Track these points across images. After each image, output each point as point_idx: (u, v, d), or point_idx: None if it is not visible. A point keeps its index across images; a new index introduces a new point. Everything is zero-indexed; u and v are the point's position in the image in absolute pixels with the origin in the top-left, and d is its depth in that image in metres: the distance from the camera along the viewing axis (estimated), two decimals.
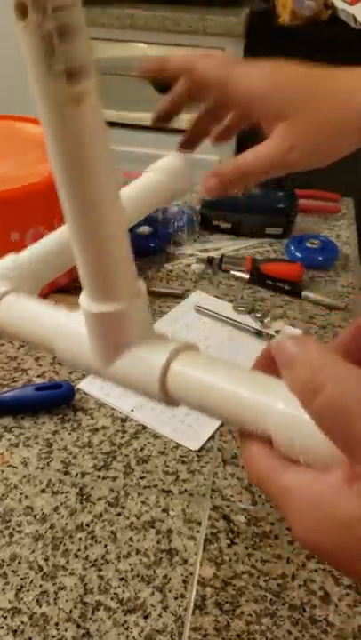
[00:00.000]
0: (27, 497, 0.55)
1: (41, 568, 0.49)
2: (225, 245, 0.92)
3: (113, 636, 0.45)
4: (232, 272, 0.84)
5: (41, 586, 0.48)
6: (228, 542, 0.51)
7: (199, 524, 0.53)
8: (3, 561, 0.50)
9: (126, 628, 0.45)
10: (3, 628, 0.45)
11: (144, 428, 0.61)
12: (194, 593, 0.48)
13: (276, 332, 0.73)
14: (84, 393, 0.65)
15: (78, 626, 0.45)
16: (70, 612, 0.46)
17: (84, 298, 0.33)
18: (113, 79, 1.67)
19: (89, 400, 0.64)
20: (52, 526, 0.52)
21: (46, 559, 0.50)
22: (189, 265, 0.87)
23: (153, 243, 0.89)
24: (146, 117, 1.75)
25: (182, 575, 0.49)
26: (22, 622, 0.46)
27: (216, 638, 0.45)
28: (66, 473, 0.57)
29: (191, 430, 0.61)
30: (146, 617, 0.46)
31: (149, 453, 0.59)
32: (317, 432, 0.24)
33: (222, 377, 0.31)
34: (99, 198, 0.29)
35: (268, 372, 0.30)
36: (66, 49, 0.24)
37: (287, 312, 0.78)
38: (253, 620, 0.46)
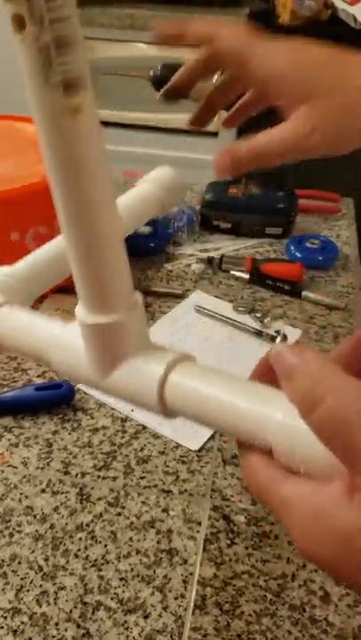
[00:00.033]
0: (27, 497, 0.55)
1: (41, 568, 0.49)
2: (225, 245, 0.92)
3: (113, 636, 0.45)
4: (232, 272, 0.84)
5: (41, 586, 0.48)
6: (228, 542, 0.51)
7: (199, 524, 0.53)
8: (3, 561, 0.50)
9: (126, 628, 0.45)
10: (3, 628, 0.45)
11: (144, 427, 0.61)
12: (194, 593, 0.48)
13: (277, 332, 0.73)
14: (84, 393, 0.65)
15: (78, 626, 0.45)
16: (70, 612, 0.46)
17: (80, 309, 0.33)
18: (113, 79, 1.67)
19: (89, 400, 0.64)
20: (52, 526, 0.52)
21: (46, 559, 0.50)
22: (189, 265, 0.87)
23: (153, 243, 0.89)
24: (146, 117, 1.76)
25: (182, 575, 0.49)
26: (22, 622, 0.46)
27: (216, 638, 0.45)
28: (66, 473, 0.57)
29: (191, 430, 0.61)
30: (146, 617, 0.46)
31: (149, 453, 0.59)
32: (318, 442, 0.24)
33: (221, 388, 0.31)
34: (95, 208, 0.29)
35: (267, 382, 0.30)
36: (63, 61, 0.25)
37: (287, 312, 0.78)
38: (253, 619, 0.46)
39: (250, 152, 0.42)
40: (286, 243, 0.91)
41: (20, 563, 0.49)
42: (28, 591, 0.48)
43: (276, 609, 0.46)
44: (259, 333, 0.73)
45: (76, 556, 0.50)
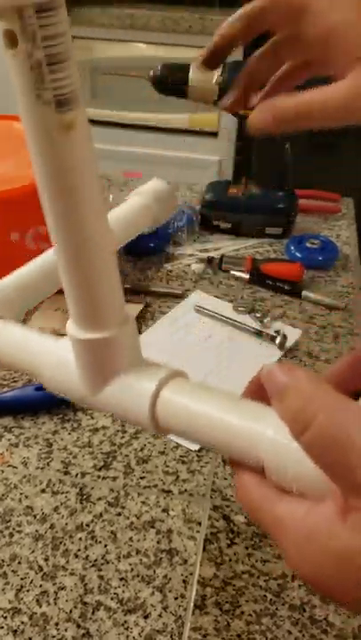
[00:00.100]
0: (27, 497, 0.55)
1: (41, 568, 0.49)
2: (225, 245, 0.92)
3: (113, 636, 0.45)
4: (232, 272, 0.84)
5: (41, 586, 0.48)
6: (228, 542, 0.51)
7: (199, 524, 0.53)
8: (3, 561, 0.50)
9: (126, 628, 0.45)
10: (3, 628, 0.45)
11: None
12: (194, 593, 0.48)
13: (276, 332, 0.73)
14: None
15: (78, 626, 0.45)
16: (70, 612, 0.46)
17: (71, 325, 0.33)
18: (113, 79, 1.67)
19: None
20: (52, 526, 0.52)
21: (46, 559, 0.50)
22: (189, 265, 0.87)
23: (153, 243, 0.89)
24: (146, 117, 1.76)
25: (182, 575, 0.49)
26: (22, 622, 0.46)
27: (216, 638, 0.45)
28: (66, 473, 0.57)
29: None
30: (146, 617, 0.46)
31: (149, 453, 0.59)
32: (309, 460, 0.24)
33: (213, 404, 0.30)
34: (86, 224, 0.29)
35: (259, 399, 0.30)
36: (55, 77, 0.24)
37: (287, 312, 0.78)
38: (253, 619, 0.46)
39: (298, 108, 0.37)
40: (286, 243, 0.91)
41: (20, 563, 0.49)
42: (28, 591, 0.48)
43: (276, 609, 0.46)
44: (259, 333, 0.73)
45: (76, 556, 0.50)
